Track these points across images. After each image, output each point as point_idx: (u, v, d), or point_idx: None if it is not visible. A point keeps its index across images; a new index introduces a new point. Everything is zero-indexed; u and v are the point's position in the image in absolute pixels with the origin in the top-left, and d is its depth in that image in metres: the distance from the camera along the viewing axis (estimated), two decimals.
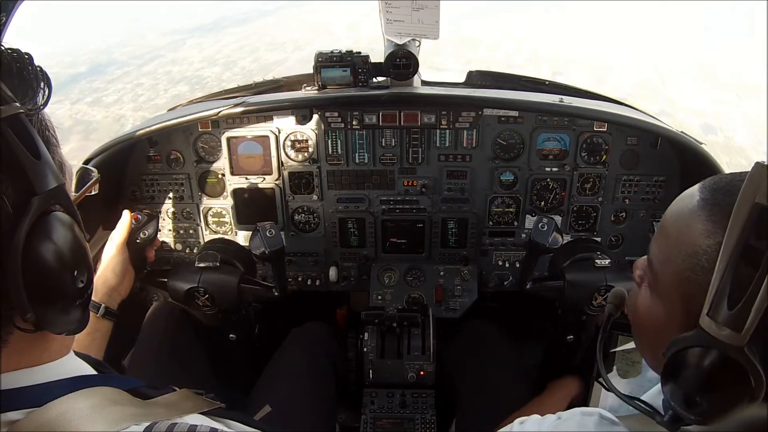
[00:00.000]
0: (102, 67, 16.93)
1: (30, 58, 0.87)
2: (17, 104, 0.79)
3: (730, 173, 0.96)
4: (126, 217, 2.19)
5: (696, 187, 0.97)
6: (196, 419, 1.00)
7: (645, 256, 1.08)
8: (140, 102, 10.56)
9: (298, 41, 15.61)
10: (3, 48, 0.84)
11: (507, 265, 2.69)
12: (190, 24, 19.13)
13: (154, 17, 21.07)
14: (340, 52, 2.34)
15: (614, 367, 2.09)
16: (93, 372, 0.97)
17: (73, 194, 0.96)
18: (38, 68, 0.87)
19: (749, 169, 0.84)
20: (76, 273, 0.83)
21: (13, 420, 0.81)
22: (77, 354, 0.99)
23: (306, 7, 21.42)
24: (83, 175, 1.06)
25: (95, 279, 2.00)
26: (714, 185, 0.94)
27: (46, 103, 0.88)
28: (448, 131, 2.46)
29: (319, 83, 2.38)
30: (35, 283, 0.77)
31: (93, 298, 1.91)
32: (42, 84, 0.87)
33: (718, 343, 0.83)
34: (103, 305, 1.99)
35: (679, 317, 0.94)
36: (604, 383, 1.15)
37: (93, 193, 1.07)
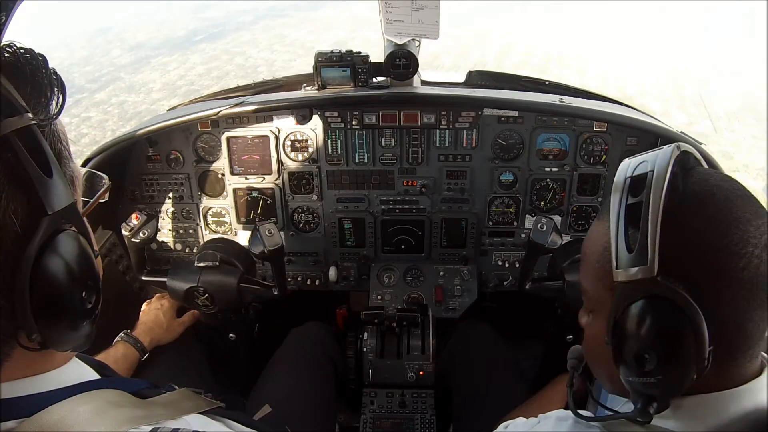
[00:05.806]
0: None
1: (44, 60, 0.78)
2: (29, 115, 0.72)
3: None
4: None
5: None
6: (197, 420, 0.99)
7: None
8: (82, 144, 9.18)
9: (273, 63, 13.81)
10: (16, 48, 0.75)
11: (507, 265, 2.69)
12: (159, 36, 17.36)
13: (126, 25, 19.31)
14: (339, 51, 2.34)
15: None
16: (96, 376, 0.96)
17: (82, 202, 0.91)
18: (53, 72, 0.79)
19: None
20: (84, 294, 0.80)
21: (11, 429, 0.79)
22: (79, 356, 0.97)
23: (287, 18, 19.10)
24: (92, 182, 0.97)
25: (141, 327, 2.19)
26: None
27: (59, 112, 0.80)
28: (447, 131, 2.46)
29: (319, 83, 2.38)
30: (43, 305, 0.75)
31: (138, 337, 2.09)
32: (56, 90, 0.79)
33: (634, 286, 0.86)
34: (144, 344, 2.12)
35: None
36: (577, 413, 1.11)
37: (104, 200, 1.00)
